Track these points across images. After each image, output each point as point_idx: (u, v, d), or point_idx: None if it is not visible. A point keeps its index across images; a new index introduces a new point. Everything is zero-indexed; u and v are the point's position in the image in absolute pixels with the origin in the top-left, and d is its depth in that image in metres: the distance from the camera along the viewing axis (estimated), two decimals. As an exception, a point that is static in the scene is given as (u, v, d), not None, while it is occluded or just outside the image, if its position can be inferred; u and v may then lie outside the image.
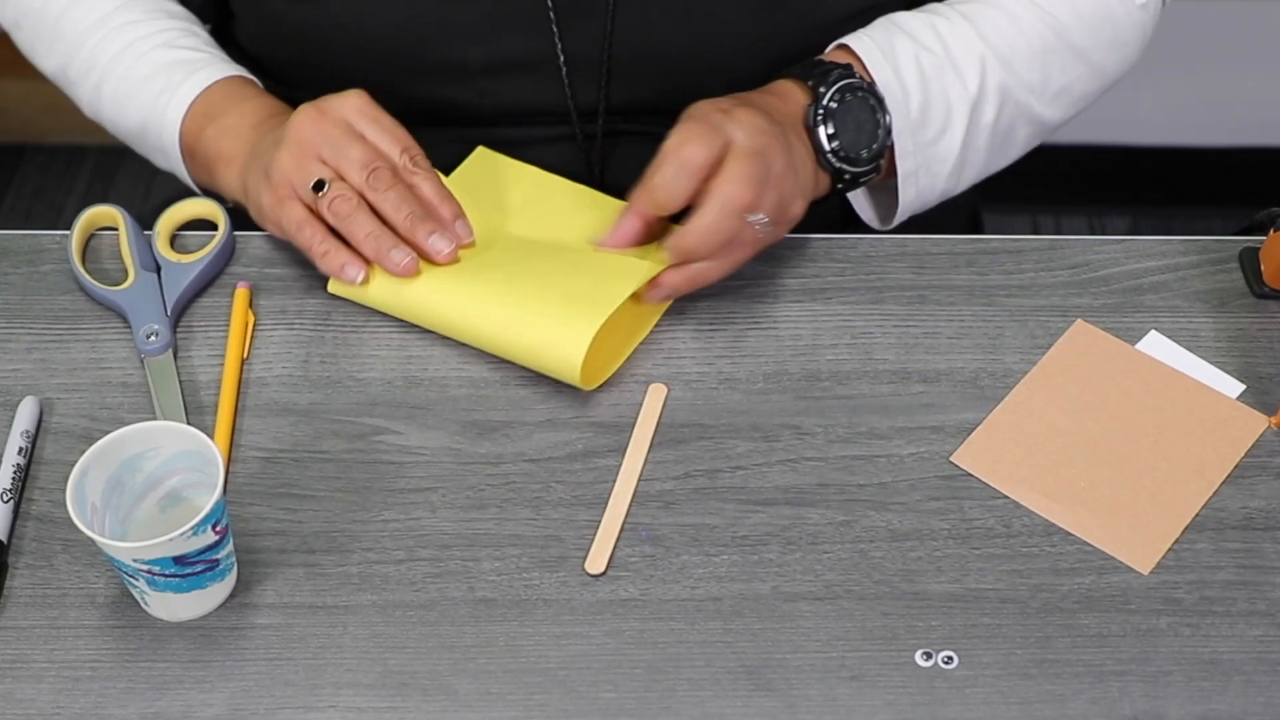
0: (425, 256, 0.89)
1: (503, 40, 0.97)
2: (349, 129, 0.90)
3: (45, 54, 1.04)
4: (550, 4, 0.95)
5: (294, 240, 0.90)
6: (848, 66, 0.93)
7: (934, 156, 0.96)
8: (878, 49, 0.94)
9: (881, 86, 0.93)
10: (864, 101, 0.93)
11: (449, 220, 0.90)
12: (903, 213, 0.99)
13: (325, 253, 0.89)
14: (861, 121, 0.92)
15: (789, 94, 0.93)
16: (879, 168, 0.94)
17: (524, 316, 0.88)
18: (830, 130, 0.92)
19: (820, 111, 0.92)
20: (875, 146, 0.93)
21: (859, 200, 1.01)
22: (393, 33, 0.96)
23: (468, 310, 0.90)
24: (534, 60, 0.97)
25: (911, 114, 0.94)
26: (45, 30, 1.03)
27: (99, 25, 1.00)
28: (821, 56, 0.96)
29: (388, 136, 0.90)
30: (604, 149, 1.03)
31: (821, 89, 0.92)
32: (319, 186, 0.89)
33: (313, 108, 0.90)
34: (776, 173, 0.88)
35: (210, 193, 1.01)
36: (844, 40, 0.96)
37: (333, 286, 0.92)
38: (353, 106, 0.90)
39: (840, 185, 0.94)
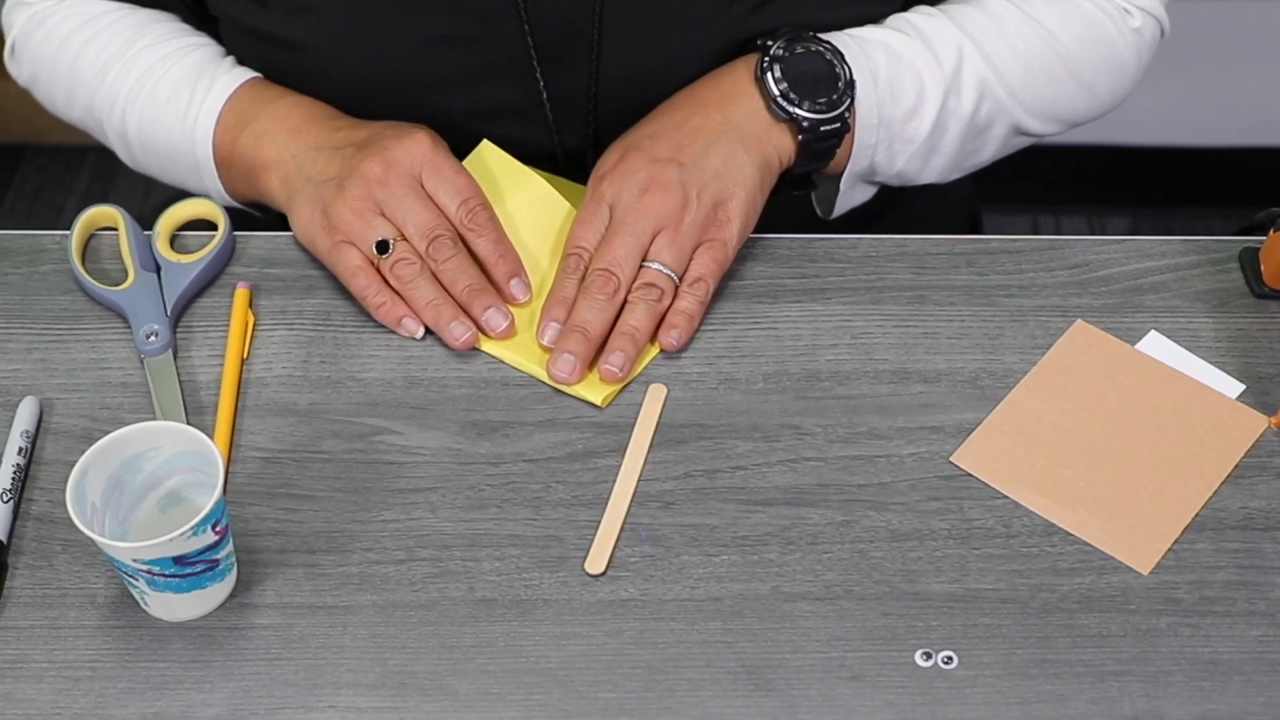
0: (484, 326, 0.91)
1: (487, 88, 0.97)
2: (412, 186, 0.91)
3: (66, 104, 1.04)
4: (533, 52, 0.95)
5: (346, 284, 0.91)
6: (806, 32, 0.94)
7: (899, 135, 0.95)
8: (843, 32, 0.95)
9: (847, 56, 0.93)
10: (819, 55, 0.92)
11: (504, 280, 0.92)
12: (847, 180, 0.98)
13: (381, 304, 0.90)
14: (818, 73, 0.92)
15: (729, 68, 0.94)
16: (846, 124, 0.93)
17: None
18: (778, 75, 0.92)
19: (766, 59, 0.92)
20: (835, 97, 0.92)
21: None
22: (376, 83, 0.96)
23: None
24: (519, 107, 0.98)
25: (879, 87, 0.94)
26: (62, 77, 1.02)
27: (116, 58, 0.99)
28: None
29: (449, 188, 0.91)
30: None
31: (769, 41, 0.93)
32: (383, 247, 0.90)
33: (379, 159, 0.90)
34: (651, 176, 0.90)
35: (249, 205, 1.01)
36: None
37: None
38: (417, 158, 0.91)
39: (803, 138, 0.92)
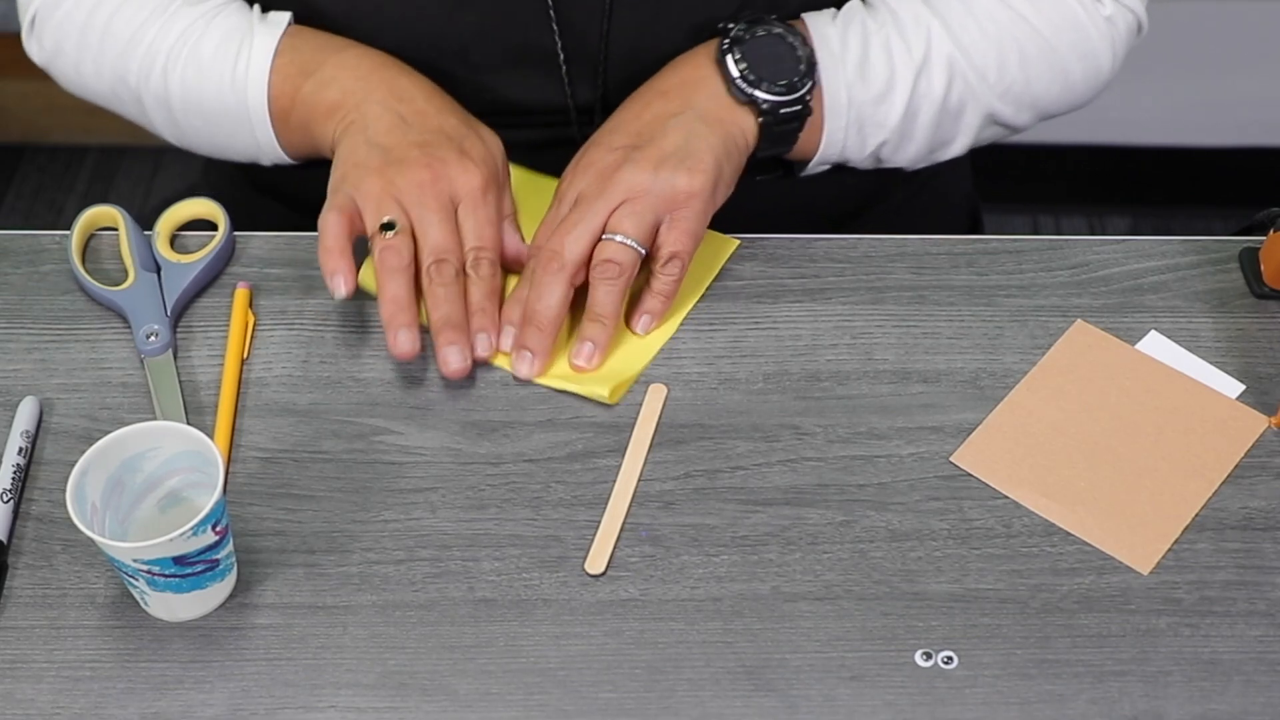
0: (439, 358, 0.89)
1: (503, 34, 0.97)
2: (445, 206, 0.90)
3: (95, 75, 1.01)
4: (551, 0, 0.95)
5: (323, 215, 0.89)
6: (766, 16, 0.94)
7: (870, 119, 0.95)
8: (819, 13, 0.95)
9: (817, 38, 0.93)
10: (780, 38, 0.92)
11: (474, 330, 0.90)
12: (816, 164, 0.97)
13: (329, 250, 0.88)
14: (779, 55, 0.92)
15: (691, 55, 0.94)
16: (807, 107, 0.92)
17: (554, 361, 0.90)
18: (738, 57, 0.91)
19: (726, 41, 0.92)
20: (796, 80, 0.91)
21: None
22: (391, 26, 0.96)
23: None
24: (534, 55, 0.97)
25: (848, 69, 0.93)
26: (92, 45, 0.99)
27: (154, 18, 0.97)
28: None
29: (476, 229, 0.90)
30: None
31: (729, 24, 0.93)
32: (388, 226, 0.88)
33: (428, 168, 0.89)
34: (610, 163, 0.90)
35: (299, 159, 0.99)
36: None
37: (363, 278, 0.92)
38: (463, 189, 0.90)
39: (763, 120, 0.92)
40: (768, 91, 0.91)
